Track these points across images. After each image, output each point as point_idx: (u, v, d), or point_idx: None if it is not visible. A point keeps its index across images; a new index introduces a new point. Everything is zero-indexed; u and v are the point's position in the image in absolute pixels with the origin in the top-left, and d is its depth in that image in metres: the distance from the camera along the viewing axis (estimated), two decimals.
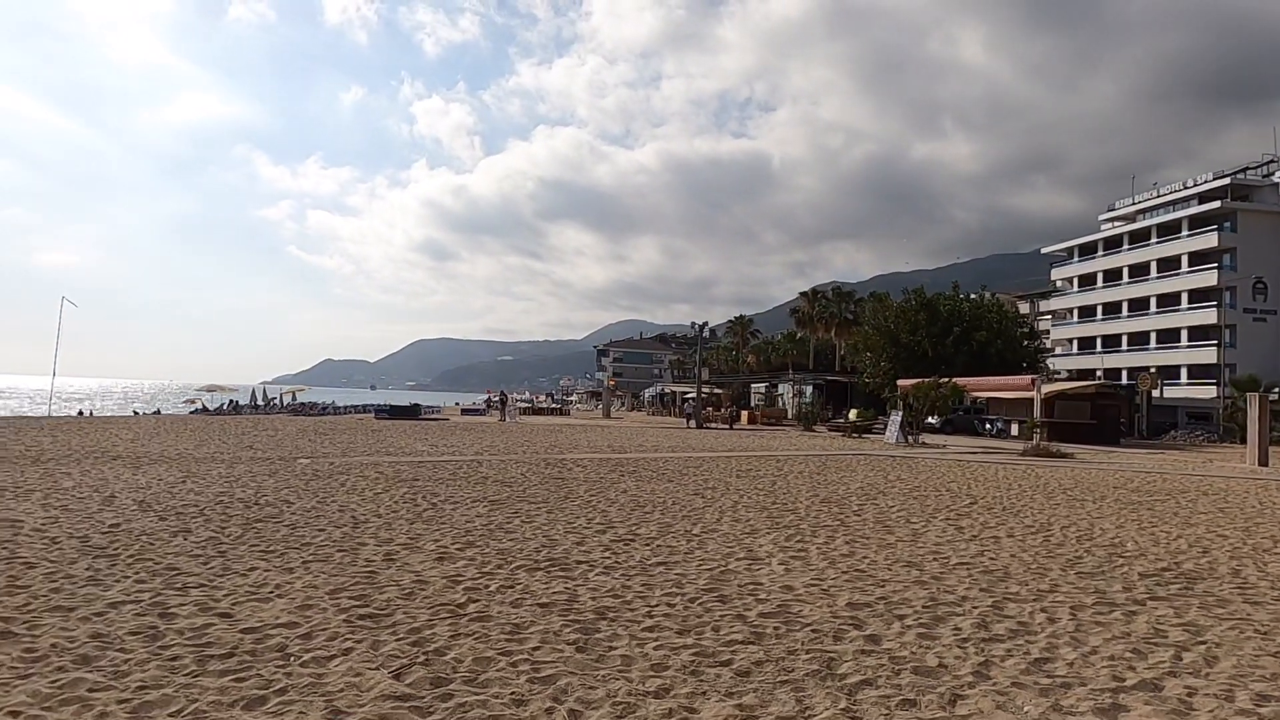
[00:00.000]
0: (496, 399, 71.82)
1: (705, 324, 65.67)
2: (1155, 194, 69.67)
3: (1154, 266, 64.86)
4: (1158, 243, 65.02)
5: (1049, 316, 76.70)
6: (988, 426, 38.48)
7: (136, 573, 6.37)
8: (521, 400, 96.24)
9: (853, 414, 41.46)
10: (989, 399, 39.08)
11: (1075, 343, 72.49)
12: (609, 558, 7.42)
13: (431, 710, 3.83)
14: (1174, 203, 66.60)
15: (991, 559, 7.89)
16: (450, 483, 13.28)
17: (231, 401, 50.69)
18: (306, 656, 4.51)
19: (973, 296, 47.90)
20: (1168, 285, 62.98)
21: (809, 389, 51.82)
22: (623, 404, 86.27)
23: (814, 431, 38.71)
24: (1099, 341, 68.93)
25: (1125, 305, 67.18)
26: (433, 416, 44.54)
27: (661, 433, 34.81)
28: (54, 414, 44.59)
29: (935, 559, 7.80)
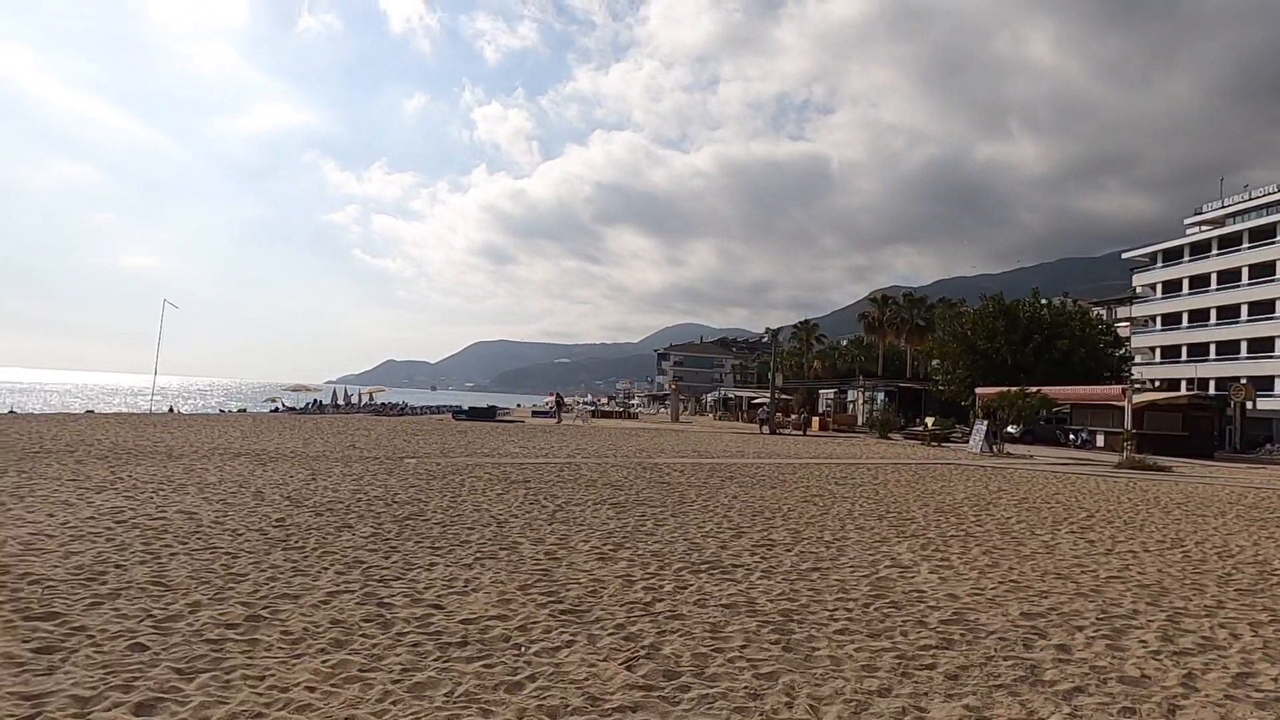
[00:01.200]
0: (548, 402, 72.81)
1: (778, 330, 65.54)
2: (1246, 196, 66.82)
3: (1245, 272, 62.23)
4: (1250, 248, 62.36)
5: (1126, 324, 74.20)
6: (1071, 437, 37.49)
7: (331, 565, 6.84)
8: (585, 403, 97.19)
9: (929, 422, 40.90)
10: (1071, 409, 38.10)
11: (1158, 351, 69.98)
12: (760, 562, 7.65)
13: (677, 700, 4.11)
14: (1266, 206, 63.78)
15: (1140, 573, 7.86)
16: (562, 485, 13.67)
17: (315, 401, 52.52)
18: (535, 647, 4.85)
19: (1054, 303, 46.69)
20: (1261, 292, 60.35)
21: (880, 395, 51.19)
22: (686, 408, 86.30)
23: (890, 439, 38.27)
24: (1184, 350, 66.42)
25: (1213, 313, 64.59)
26: (506, 419, 45.38)
27: (737, 438, 34.87)
28: (151, 411, 46.87)
29: (1082, 572, 7.82)
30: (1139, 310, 72.82)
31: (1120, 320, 74.92)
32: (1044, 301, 45.99)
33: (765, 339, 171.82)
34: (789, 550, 8.34)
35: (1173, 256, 70.03)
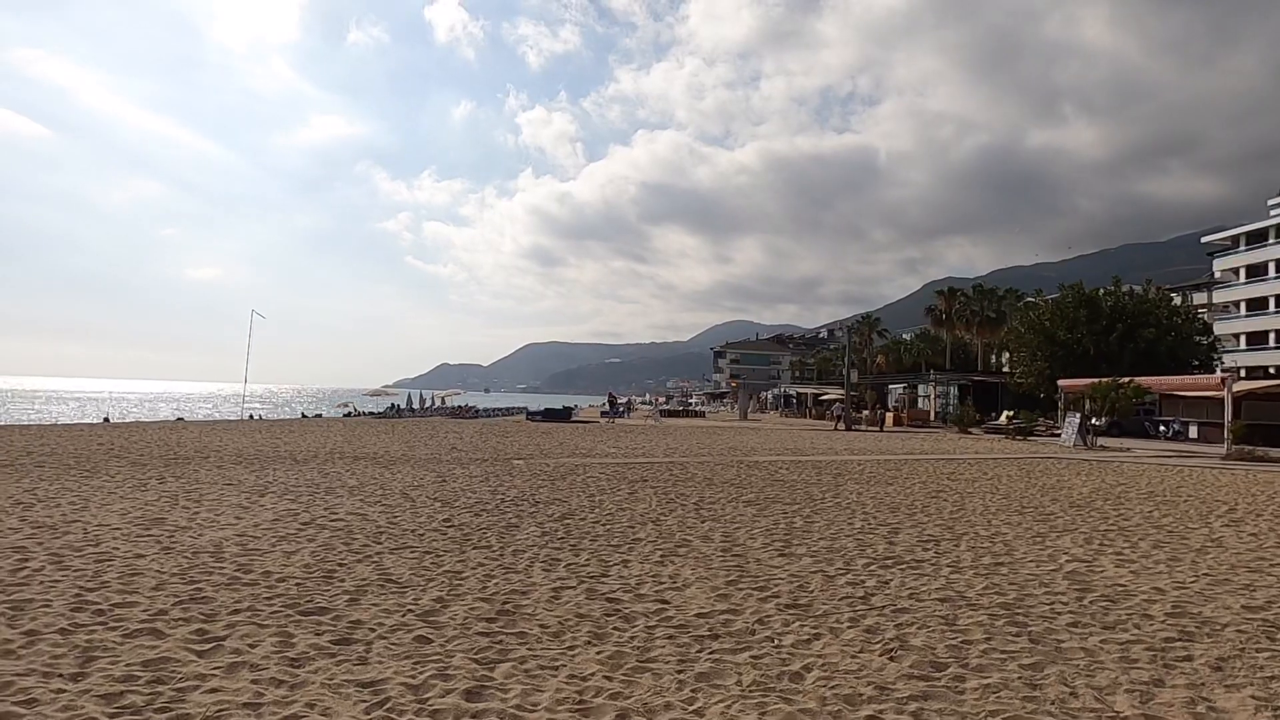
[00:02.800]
0: (624, 402, 73.14)
1: (852, 325, 64.93)
2: None
3: None
4: None
5: (1203, 309, 71.44)
6: (1161, 428, 36.34)
7: (531, 563, 7.12)
8: (644, 402, 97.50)
9: (1007, 415, 40.06)
10: (1160, 399, 36.92)
11: (1242, 338, 67.28)
12: (937, 558, 7.70)
13: (961, 690, 4.22)
14: None
15: None
16: (684, 484, 13.85)
17: (393, 405, 53.85)
18: (789, 640, 5.00)
19: (1137, 290, 45.29)
20: None
21: (953, 390, 50.33)
22: (753, 406, 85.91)
23: (970, 434, 37.62)
24: (1272, 336, 63.76)
25: None
26: (580, 420, 45.87)
27: (814, 435, 34.67)
28: (233, 417, 48.59)
29: (1271, 564, 7.68)
30: (1220, 296, 70.09)
31: (1198, 306, 72.24)
32: (1126, 289, 44.61)
33: (822, 334, 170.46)
34: (955, 545, 8.37)
35: (1257, 239, 67.22)
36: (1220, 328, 69.03)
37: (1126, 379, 30.05)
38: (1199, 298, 72.62)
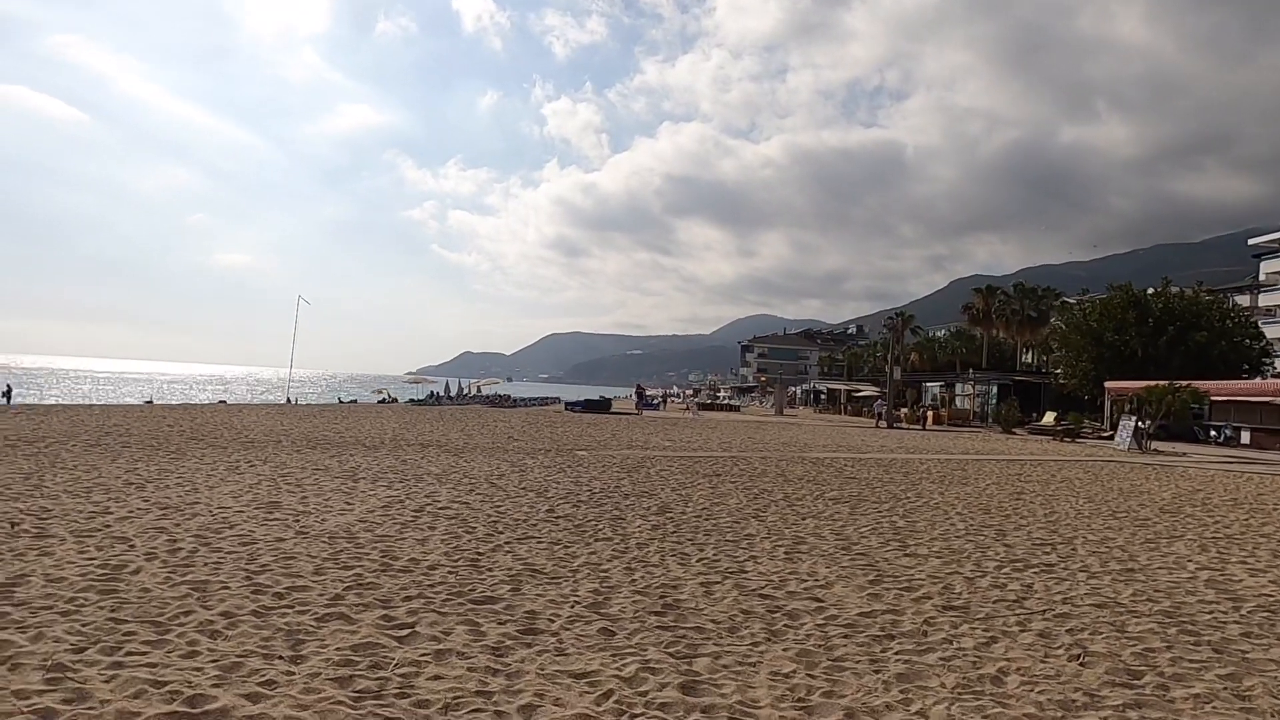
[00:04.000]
0: (657, 394, 73.22)
1: (892, 321, 64.44)
2: None
3: None
4: None
5: (1248, 312, 70.00)
6: (1213, 433, 35.78)
7: (660, 556, 7.16)
8: (670, 394, 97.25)
9: (1049, 417, 39.62)
10: (1210, 404, 36.35)
11: None
12: (1062, 560, 7.65)
13: (1171, 700, 4.19)
14: None
15: None
16: (759, 479, 13.84)
17: (432, 393, 54.30)
18: (969, 643, 5.00)
19: (1187, 292, 44.50)
20: None
21: (993, 389, 49.81)
22: (789, 401, 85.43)
23: (1014, 434, 37.25)
24: None
25: None
26: (618, 411, 45.96)
27: (858, 432, 34.50)
28: (271, 400, 49.23)
29: None
30: (1267, 300, 68.67)
31: (1242, 309, 70.80)
32: (1176, 291, 43.85)
33: (850, 330, 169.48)
34: (1072, 549, 8.30)
35: None
36: (1269, 332, 67.79)
37: (1184, 383, 29.56)
38: (1241, 300, 71.26)
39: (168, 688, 3.74)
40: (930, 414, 44.72)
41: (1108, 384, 38.74)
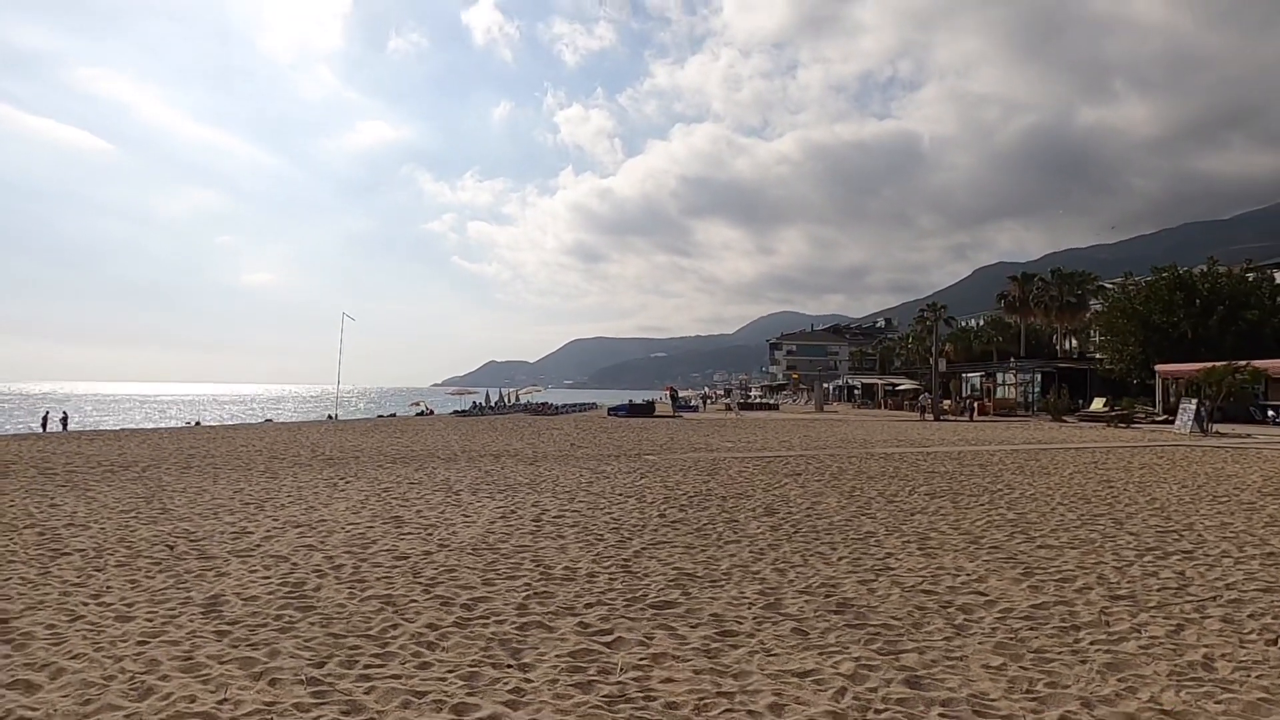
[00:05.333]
0: (695, 395, 73.22)
1: (934, 308, 63.95)
2: None
3: None
4: None
5: None
6: (1270, 413, 35.16)
7: (805, 557, 7.26)
8: (701, 391, 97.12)
9: (1098, 403, 39.11)
10: (1266, 384, 35.75)
11: None
12: (1197, 548, 7.64)
13: None
14: None
15: None
16: (841, 477, 13.87)
17: (475, 403, 54.80)
18: (1158, 632, 5.05)
19: (1234, 271, 43.76)
20: None
21: (1036, 377, 49.30)
22: (808, 398, 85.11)
23: (1065, 422, 36.85)
24: None
25: None
26: (662, 415, 46.09)
27: (908, 426, 34.31)
28: (315, 418, 49.92)
29: None
30: None
31: None
32: (1223, 270, 43.14)
33: (879, 323, 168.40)
34: (1199, 536, 8.28)
35: None
36: None
37: (1244, 363, 29.11)
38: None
39: (428, 697, 3.91)
40: (976, 404, 44.34)
41: (1158, 367, 38.18)
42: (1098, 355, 49.79)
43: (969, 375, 58.72)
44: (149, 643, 4.73)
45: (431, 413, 59.62)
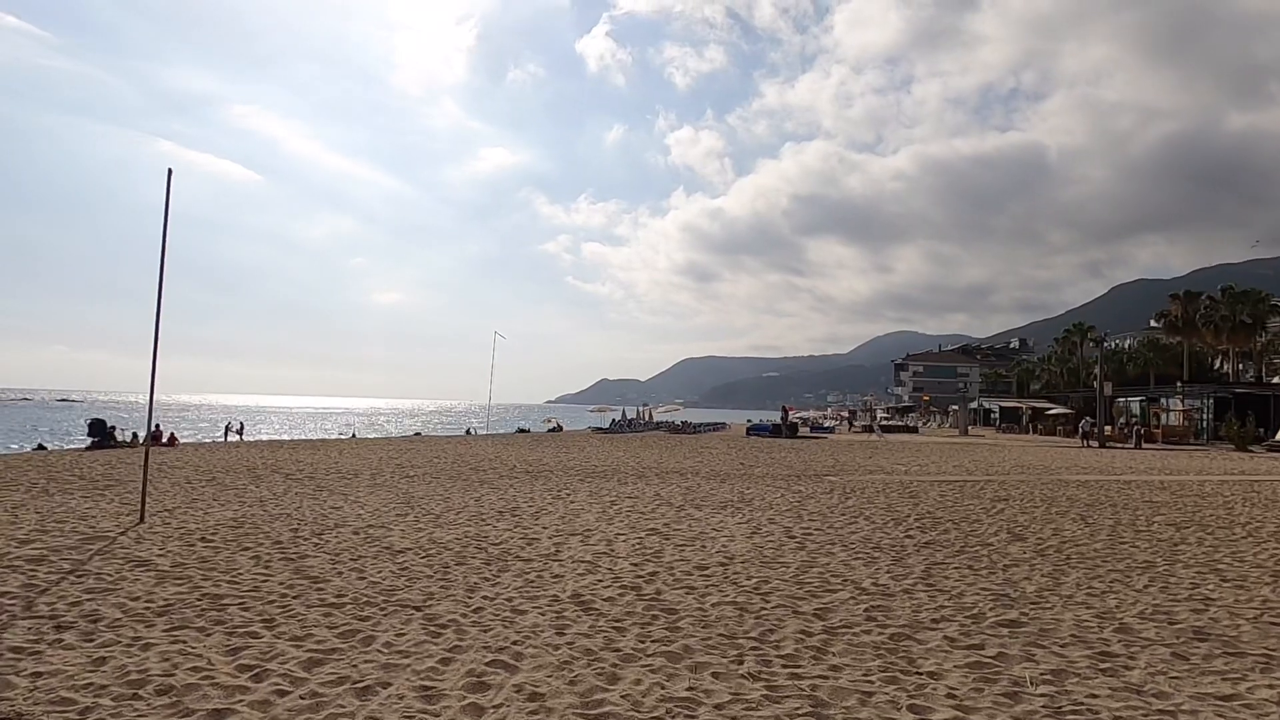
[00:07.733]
0: (827, 414, 71.98)
1: (1086, 328, 60.83)
2: None
3: None
4: None
5: None
6: None
7: (1102, 581, 7.21)
8: (833, 416, 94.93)
9: None
10: None
11: None
12: None
13: None
14: None
15: None
16: (1053, 505, 13.48)
17: (614, 421, 56.20)
18: None
19: None
20: None
21: (1209, 403, 45.89)
22: (938, 420, 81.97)
23: (1250, 452, 34.16)
24: None
25: None
26: (804, 436, 45.68)
27: (1074, 452, 32.66)
28: (471, 432, 52.20)
29: None
30: None
31: None
32: None
33: (1013, 344, 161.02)
34: None
35: None
36: None
37: None
38: None
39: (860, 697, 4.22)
40: (1143, 431, 41.70)
41: None
42: None
43: (1128, 400, 55.22)
44: (565, 637, 5.27)
45: (561, 429, 61.27)
